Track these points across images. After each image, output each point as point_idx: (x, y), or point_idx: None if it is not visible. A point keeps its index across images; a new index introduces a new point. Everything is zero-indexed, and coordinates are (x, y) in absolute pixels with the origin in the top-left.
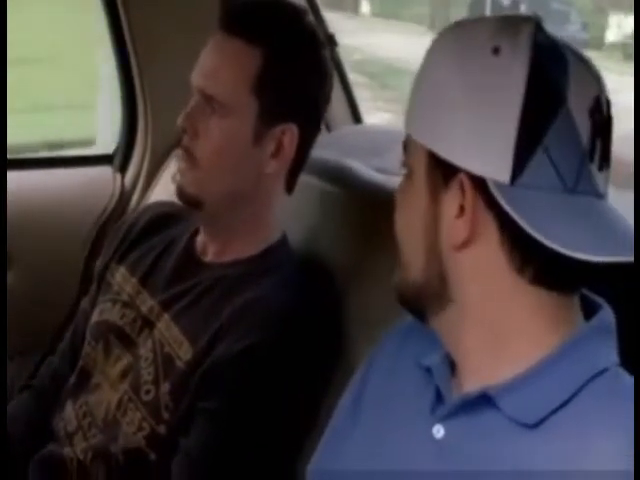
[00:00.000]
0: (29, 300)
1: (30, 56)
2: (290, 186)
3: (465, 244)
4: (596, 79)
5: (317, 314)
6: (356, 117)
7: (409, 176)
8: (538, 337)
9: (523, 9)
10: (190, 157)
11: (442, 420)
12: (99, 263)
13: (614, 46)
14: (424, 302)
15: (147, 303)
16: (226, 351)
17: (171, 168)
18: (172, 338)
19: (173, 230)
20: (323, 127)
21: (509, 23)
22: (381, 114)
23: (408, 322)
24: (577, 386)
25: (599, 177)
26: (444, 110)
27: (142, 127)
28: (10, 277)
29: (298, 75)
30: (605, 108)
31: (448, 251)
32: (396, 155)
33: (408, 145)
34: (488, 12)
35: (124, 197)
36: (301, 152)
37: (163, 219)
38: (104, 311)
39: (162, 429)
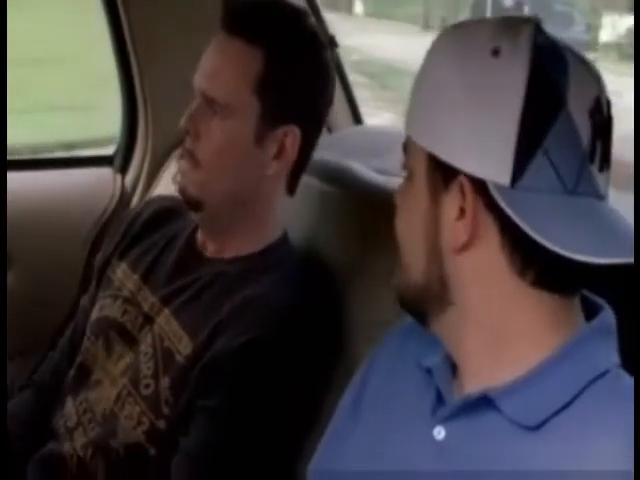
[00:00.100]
0: (29, 300)
1: (47, 57)
2: (292, 188)
3: (465, 247)
4: (596, 80)
5: (317, 312)
6: (356, 118)
7: (409, 178)
8: (539, 339)
9: (526, 10)
10: (192, 159)
11: (443, 421)
12: (99, 258)
13: (609, 46)
14: (425, 304)
15: (148, 300)
16: (226, 345)
17: (171, 169)
18: (172, 332)
19: (174, 225)
20: (324, 128)
21: (509, 24)
22: (382, 113)
23: (408, 322)
24: (578, 388)
25: (599, 178)
26: (444, 112)
27: (142, 128)
28: (10, 277)
29: (300, 77)
30: (605, 109)
31: (448, 254)
32: (396, 156)
33: (408, 146)
34: (489, 13)
35: (124, 198)
36: (303, 154)
37: (164, 214)
38: (104, 307)
39: (162, 424)
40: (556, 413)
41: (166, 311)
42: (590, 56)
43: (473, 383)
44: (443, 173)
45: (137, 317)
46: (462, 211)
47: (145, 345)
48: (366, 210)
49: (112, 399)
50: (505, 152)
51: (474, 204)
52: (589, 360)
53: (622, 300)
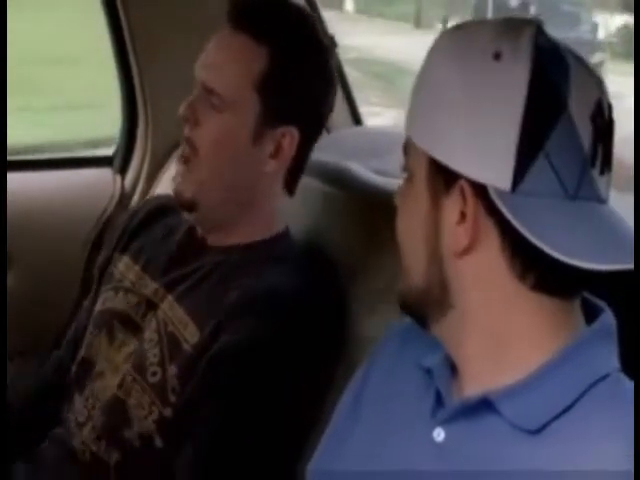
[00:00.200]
0: (29, 300)
1: (63, 56)
2: (290, 187)
3: (466, 251)
4: (597, 83)
5: (322, 307)
6: (356, 119)
7: (409, 179)
8: (539, 342)
9: (532, 10)
10: (191, 147)
11: (442, 423)
12: (101, 258)
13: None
14: (425, 308)
15: (150, 286)
16: (233, 339)
17: (171, 170)
18: (176, 318)
19: (173, 219)
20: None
21: (510, 26)
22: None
23: (408, 323)
24: (579, 392)
25: (600, 182)
26: (445, 116)
27: (142, 128)
28: (10, 278)
29: (303, 78)
30: (607, 112)
31: (449, 257)
32: (396, 157)
33: (408, 148)
34: (490, 14)
35: (124, 198)
36: (301, 155)
37: (161, 210)
38: (107, 300)
39: (168, 412)
40: (557, 417)
41: (170, 297)
42: (598, 56)
43: (473, 385)
44: (444, 177)
45: (140, 304)
46: (463, 215)
47: (149, 331)
48: (365, 211)
49: (115, 386)
50: (506, 156)
51: (474, 208)
52: (589, 363)
53: (622, 303)
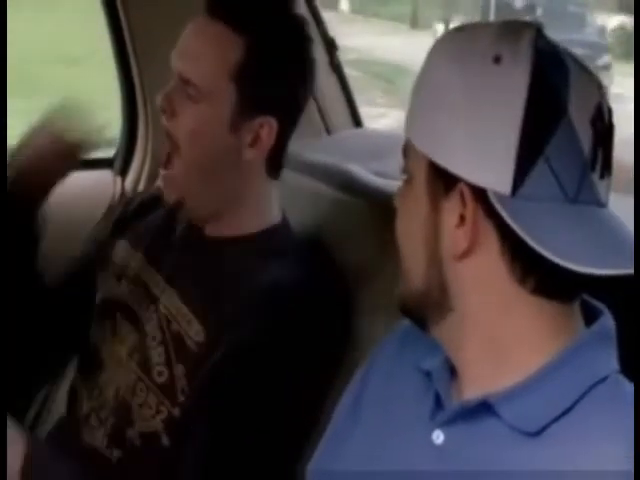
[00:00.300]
0: None
1: (80, 55)
2: (272, 173)
3: (465, 254)
4: (597, 86)
5: (325, 301)
6: (356, 121)
7: (409, 181)
8: (538, 345)
9: (539, 12)
10: (170, 140)
11: (442, 426)
12: (99, 240)
13: None
14: (424, 310)
15: (152, 278)
16: (235, 340)
17: None
18: (180, 315)
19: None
20: (323, 130)
21: (510, 29)
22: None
23: (407, 325)
24: (578, 394)
25: (600, 186)
26: (445, 119)
27: (142, 130)
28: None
29: (281, 68)
30: (606, 116)
31: (448, 260)
32: (396, 159)
33: (408, 150)
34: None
35: (125, 200)
36: (279, 143)
37: (157, 199)
38: (110, 287)
39: (177, 412)
40: (556, 419)
41: (170, 290)
42: (605, 59)
43: (472, 388)
44: (443, 180)
45: (143, 297)
46: (462, 218)
47: (151, 327)
48: (365, 213)
49: (123, 385)
50: (506, 160)
51: (474, 212)
52: (589, 366)
53: (622, 305)
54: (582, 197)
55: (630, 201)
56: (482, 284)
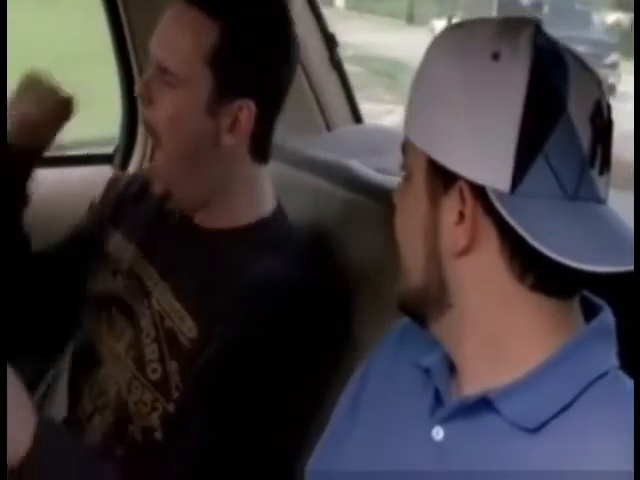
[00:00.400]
0: None
1: (95, 51)
2: (259, 158)
3: (465, 251)
4: (596, 83)
5: (321, 295)
6: (356, 117)
7: (408, 178)
8: (538, 341)
9: (546, 10)
10: (149, 128)
11: (441, 422)
12: (94, 224)
13: None
14: (424, 307)
15: (146, 270)
16: (227, 336)
17: None
18: (173, 311)
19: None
20: (323, 126)
21: (509, 26)
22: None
23: (406, 322)
24: (578, 390)
25: (600, 182)
26: (443, 116)
27: (142, 126)
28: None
29: (258, 52)
30: (605, 112)
31: (447, 257)
32: (396, 155)
33: (407, 147)
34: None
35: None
36: (261, 127)
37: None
38: (105, 280)
39: (171, 407)
40: (555, 415)
41: (163, 285)
42: (612, 57)
43: (472, 385)
44: (442, 177)
45: (137, 290)
46: (461, 215)
47: (145, 322)
48: (365, 209)
49: (122, 382)
50: (505, 158)
51: (473, 209)
52: (588, 362)
53: (622, 301)
54: (581, 194)
55: (630, 197)
56: (481, 281)
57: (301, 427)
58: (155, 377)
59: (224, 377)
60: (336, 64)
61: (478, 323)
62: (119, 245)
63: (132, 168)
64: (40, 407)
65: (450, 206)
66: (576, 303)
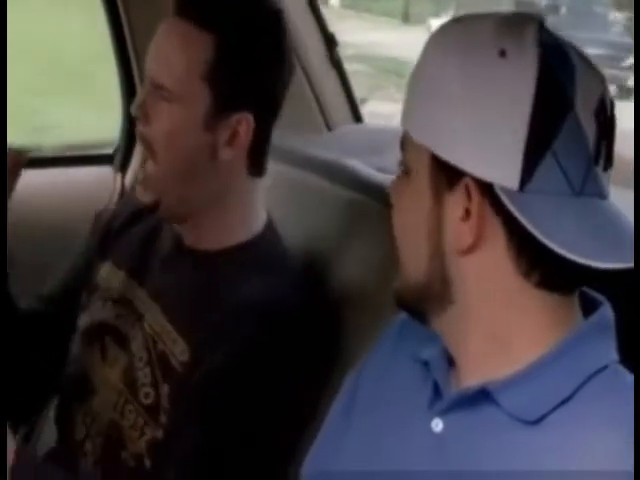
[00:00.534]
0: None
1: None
2: (255, 171)
3: (471, 249)
4: (600, 79)
5: (314, 313)
6: (356, 116)
7: (407, 175)
8: (539, 336)
9: (563, 11)
10: (146, 144)
11: (440, 414)
12: (83, 259)
13: None
14: (424, 303)
15: (137, 293)
16: (217, 361)
17: None
18: (165, 334)
19: (154, 220)
20: (323, 126)
21: (512, 22)
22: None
23: (404, 318)
24: (577, 383)
25: (603, 177)
26: (447, 112)
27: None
28: (9, 277)
29: (254, 64)
30: (609, 108)
31: (452, 254)
32: (396, 154)
33: (406, 143)
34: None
35: (124, 197)
36: (259, 139)
37: (143, 210)
38: (95, 311)
39: (160, 434)
40: (555, 408)
41: (155, 307)
42: (632, 59)
43: (471, 377)
44: (447, 174)
45: (129, 315)
46: (467, 212)
47: (137, 346)
48: (366, 208)
49: (113, 408)
50: (514, 155)
51: (480, 206)
52: (588, 355)
53: (621, 297)
54: (587, 190)
55: (629, 195)
56: (486, 278)
57: (287, 450)
58: (148, 401)
59: (213, 402)
60: (336, 63)
61: (480, 319)
62: (109, 273)
63: (132, 168)
64: (28, 436)
65: (455, 203)
66: (575, 298)
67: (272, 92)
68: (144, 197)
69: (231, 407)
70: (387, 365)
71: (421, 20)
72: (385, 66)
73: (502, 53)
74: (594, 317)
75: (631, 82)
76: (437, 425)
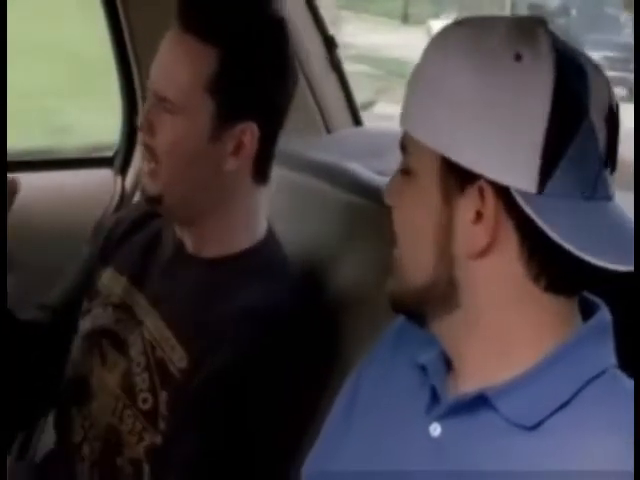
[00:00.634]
0: (29, 302)
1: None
2: (260, 179)
3: (483, 252)
4: (607, 85)
5: (312, 318)
6: (356, 119)
7: (408, 175)
8: (538, 340)
9: (574, 13)
10: (151, 153)
11: (438, 419)
12: (86, 264)
13: None
14: (425, 306)
15: (137, 300)
16: (215, 369)
17: None
18: (163, 340)
19: (157, 222)
20: (323, 129)
21: (522, 26)
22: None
23: (400, 323)
24: (575, 388)
25: (611, 180)
26: (461, 116)
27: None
28: (10, 279)
29: (257, 74)
30: (616, 113)
31: (462, 258)
32: (396, 157)
33: (408, 145)
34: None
35: (125, 199)
36: (264, 148)
37: (145, 217)
38: (96, 317)
39: (158, 439)
40: (553, 413)
41: (154, 314)
42: None
43: (470, 382)
44: (458, 176)
45: (128, 320)
46: (479, 215)
47: (136, 351)
48: (366, 211)
49: (112, 413)
50: (532, 159)
51: (495, 209)
52: (586, 360)
53: (620, 301)
54: (598, 193)
55: (629, 197)
56: (496, 281)
57: (287, 454)
58: (146, 407)
59: (212, 409)
60: (336, 66)
61: (486, 323)
62: (111, 279)
63: (132, 171)
64: (27, 441)
65: (466, 205)
66: (576, 301)
67: (276, 101)
68: (150, 188)
69: (231, 413)
70: (385, 369)
71: (420, 21)
72: (389, 67)
73: (518, 57)
74: (592, 321)
75: None
76: (435, 430)
